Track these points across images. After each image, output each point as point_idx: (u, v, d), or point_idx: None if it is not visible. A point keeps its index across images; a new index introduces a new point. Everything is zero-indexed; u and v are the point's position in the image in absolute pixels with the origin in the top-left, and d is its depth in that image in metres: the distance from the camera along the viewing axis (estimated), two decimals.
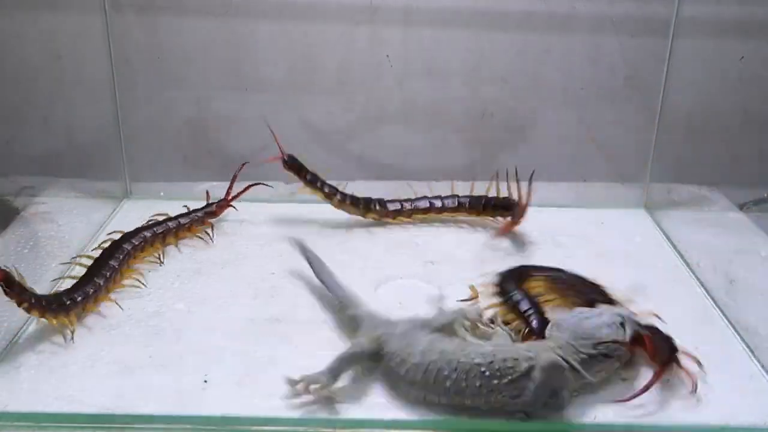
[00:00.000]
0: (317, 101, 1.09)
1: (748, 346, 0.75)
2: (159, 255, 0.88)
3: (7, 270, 0.67)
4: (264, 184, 1.00)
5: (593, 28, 1.05)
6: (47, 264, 0.86)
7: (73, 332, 0.72)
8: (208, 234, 0.94)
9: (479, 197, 0.98)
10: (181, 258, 0.89)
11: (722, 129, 1.07)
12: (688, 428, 0.64)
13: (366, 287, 0.81)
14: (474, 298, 0.79)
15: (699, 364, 0.68)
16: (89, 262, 0.81)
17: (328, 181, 0.97)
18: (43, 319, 0.73)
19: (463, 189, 1.00)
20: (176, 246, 0.91)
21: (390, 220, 0.98)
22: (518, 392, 0.61)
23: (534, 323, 0.71)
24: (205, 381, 0.67)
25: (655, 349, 0.67)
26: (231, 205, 0.98)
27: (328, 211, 0.98)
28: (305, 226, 0.98)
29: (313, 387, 0.64)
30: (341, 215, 0.99)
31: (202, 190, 1.09)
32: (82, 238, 0.93)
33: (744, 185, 1.07)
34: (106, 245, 0.85)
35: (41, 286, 0.81)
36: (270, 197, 1.07)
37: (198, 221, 0.94)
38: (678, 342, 0.69)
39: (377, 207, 0.98)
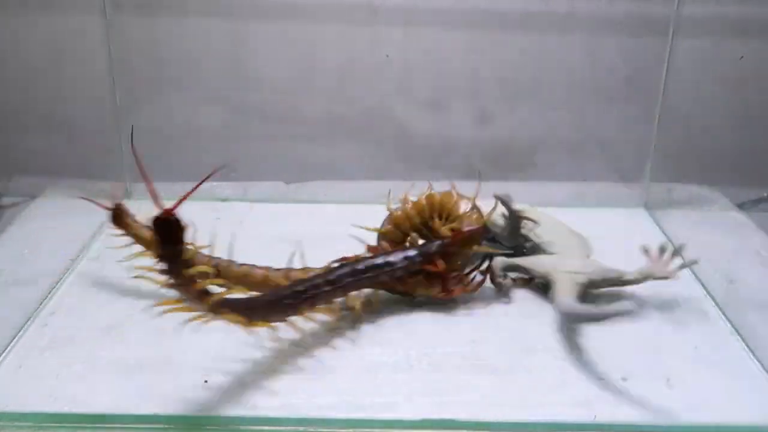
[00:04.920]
0: (317, 101, 1.09)
1: (748, 346, 0.75)
2: None
3: None
4: None
5: (593, 28, 1.05)
6: (47, 264, 0.86)
7: None
8: None
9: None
10: None
11: (722, 129, 1.07)
12: (688, 428, 0.64)
13: None
14: None
15: None
16: None
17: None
18: (40, 320, 0.72)
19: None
20: None
21: None
22: None
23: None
24: (206, 381, 0.67)
25: None
26: None
27: (328, 210, 0.98)
28: (305, 226, 0.98)
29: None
30: (342, 215, 0.98)
31: (202, 190, 1.09)
32: (82, 239, 0.93)
33: (744, 185, 1.07)
34: None
35: (41, 286, 0.82)
36: (270, 197, 1.07)
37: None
38: None
39: None
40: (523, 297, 0.83)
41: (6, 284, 0.82)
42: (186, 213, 1.01)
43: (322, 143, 1.11)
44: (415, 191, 0.86)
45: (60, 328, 0.75)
